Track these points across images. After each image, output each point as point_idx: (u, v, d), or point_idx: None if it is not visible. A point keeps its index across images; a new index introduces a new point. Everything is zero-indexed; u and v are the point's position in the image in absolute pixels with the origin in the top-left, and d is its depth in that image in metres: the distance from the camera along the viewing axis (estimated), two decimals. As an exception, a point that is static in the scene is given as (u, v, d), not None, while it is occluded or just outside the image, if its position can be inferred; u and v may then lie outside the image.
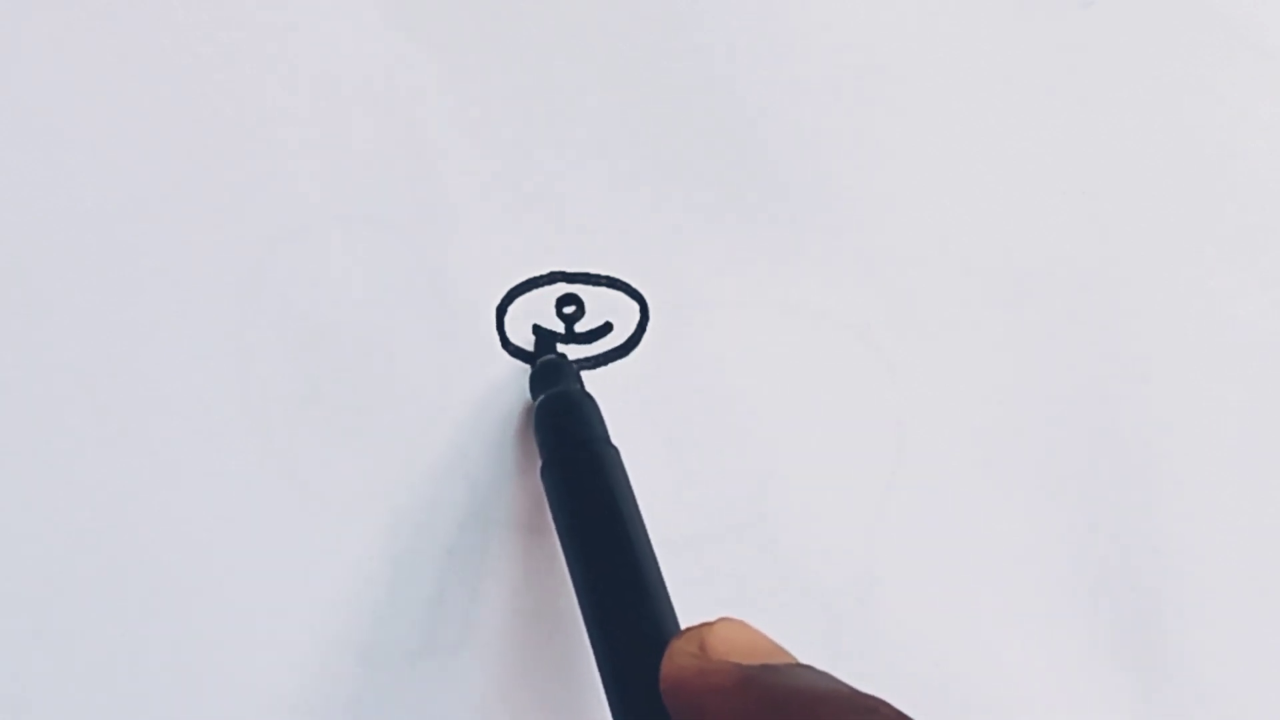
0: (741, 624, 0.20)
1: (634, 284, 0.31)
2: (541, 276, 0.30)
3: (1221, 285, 0.33)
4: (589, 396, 0.29)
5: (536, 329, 0.30)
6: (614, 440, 0.28)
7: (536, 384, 0.29)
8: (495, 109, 0.30)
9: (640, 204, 0.31)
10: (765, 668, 0.19)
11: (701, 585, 0.30)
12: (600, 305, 0.31)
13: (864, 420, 0.31)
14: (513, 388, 0.30)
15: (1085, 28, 0.33)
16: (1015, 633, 0.31)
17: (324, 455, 0.29)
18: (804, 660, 0.21)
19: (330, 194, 0.30)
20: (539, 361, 0.30)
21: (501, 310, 0.30)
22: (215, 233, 0.29)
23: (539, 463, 0.28)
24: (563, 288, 0.30)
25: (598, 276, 0.31)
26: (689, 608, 0.26)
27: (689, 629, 0.21)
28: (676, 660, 0.20)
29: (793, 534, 0.31)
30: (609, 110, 0.31)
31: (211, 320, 0.29)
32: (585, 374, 0.30)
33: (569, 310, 0.30)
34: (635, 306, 0.31)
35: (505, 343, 0.30)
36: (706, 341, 0.31)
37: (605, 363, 0.30)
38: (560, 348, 0.30)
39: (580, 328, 0.30)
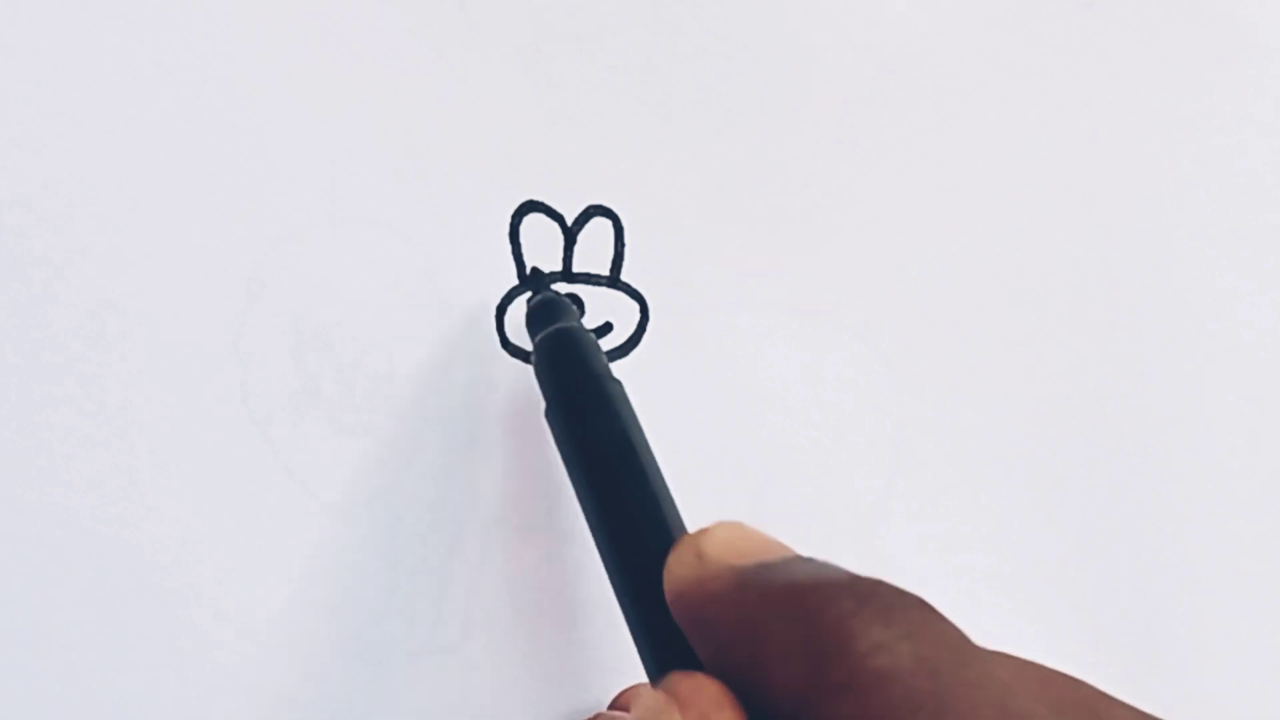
0: (737, 525, 0.20)
1: (634, 284, 0.31)
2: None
3: (1221, 285, 0.33)
4: (586, 332, 0.27)
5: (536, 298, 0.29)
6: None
7: (533, 322, 0.28)
8: (495, 109, 0.30)
9: (641, 205, 0.31)
10: (760, 566, 0.18)
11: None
12: (600, 305, 0.31)
13: (864, 420, 0.31)
14: (513, 388, 0.30)
15: (1085, 28, 0.33)
16: (1014, 632, 0.31)
17: (324, 455, 0.29)
18: None
19: (329, 194, 0.30)
20: (534, 299, 0.29)
21: (501, 310, 0.30)
22: (215, 233, 0.29)
23: (543, 407, 0.27)
24: (563, 288, 0.30)
25: (598, 277, 0.31)
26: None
27: (685, 537, 0.20)
28: (675, 571, 0.19)
29: (792, 534, 0.30)
30: (609, 110, 0.31)
31: (211, 320, 0.29)
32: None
33: (569, 310, 0.30)
34: (635, 306, 0.31)
35: (505, 343, 0.30)
36: (706, 341, 0.31)
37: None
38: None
39: (580, 328, 0.30)
